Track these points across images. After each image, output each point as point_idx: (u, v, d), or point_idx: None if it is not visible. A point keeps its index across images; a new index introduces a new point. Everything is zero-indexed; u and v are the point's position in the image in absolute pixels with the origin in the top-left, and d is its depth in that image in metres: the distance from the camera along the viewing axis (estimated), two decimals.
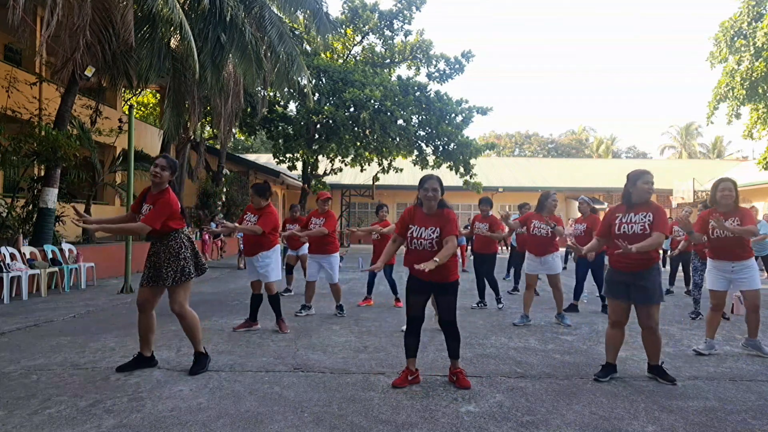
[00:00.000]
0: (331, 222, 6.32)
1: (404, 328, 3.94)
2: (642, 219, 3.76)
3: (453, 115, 18.64)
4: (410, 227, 3.68)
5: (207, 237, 15.24)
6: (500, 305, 7.07)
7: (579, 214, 7.28)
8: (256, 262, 5.34)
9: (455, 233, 3.61)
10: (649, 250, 3.69)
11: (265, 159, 28.00)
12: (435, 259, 3.43)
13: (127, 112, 13.78)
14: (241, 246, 13.40)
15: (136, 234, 3.93)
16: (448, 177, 24.28)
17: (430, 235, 3.59)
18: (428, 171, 21.50)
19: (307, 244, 7.72)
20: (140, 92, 19.40)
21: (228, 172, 19.37)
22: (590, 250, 4.35)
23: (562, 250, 8.41)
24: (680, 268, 8.86)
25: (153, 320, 3.98)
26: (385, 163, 21.50)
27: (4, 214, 9.22)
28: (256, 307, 5.52)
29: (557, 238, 6.04)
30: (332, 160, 21.26)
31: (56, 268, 8.45)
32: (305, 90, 14.99)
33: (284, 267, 8.50)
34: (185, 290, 3.92)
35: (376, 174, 22.40)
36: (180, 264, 3.86)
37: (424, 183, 3.68)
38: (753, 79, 15.75)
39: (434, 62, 20.50)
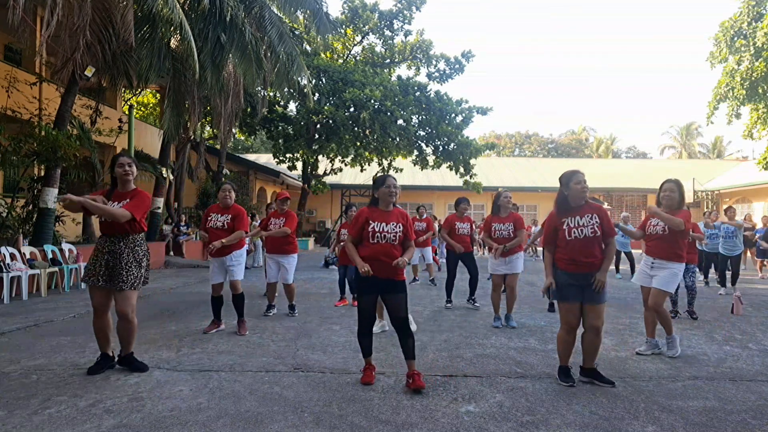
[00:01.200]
0: (291, 222, 6.23)
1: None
2: (590, 221, 3.71)
3: (453, 115, 18.64)
4: (370, 223, 3.71)
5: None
6: (476, 305, 7.06)
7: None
8: (228, 262, 5.30)
9: (414, 237, 3.88)
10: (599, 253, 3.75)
11: (265, 159, 28.00)
12: (405, 259, 3.63)
13: (127, 112, 13.82)
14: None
15: (113, 218, 3.72)
16: (448, 177, 24.37)
17: (394, 229, 3.70)
18: (428, 171, 21.57)
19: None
20: (140, 92, 19.38)
21: (228, 172, 19.37)
22: (548, 266, 3.97)
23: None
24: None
25: (110, 319, 3.96)
26: (385, 163, 21.50)
27: (4, 214, 9.22)
28: (220, 308, 5.48)
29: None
30: (332, 160, 21.25)
31: (56, 268, 8.45)
32: (305, 90, 14.99)
33: (263, 266, 8.44)
34: (137, 294, 3.95)
35: (376, 174, 22.40)
36: (141, 272, 3.90)
37: (385, 180, 3.79)
38: (753, 79, 15.75)
39: (434, 62, 20.51)
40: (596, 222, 3.71)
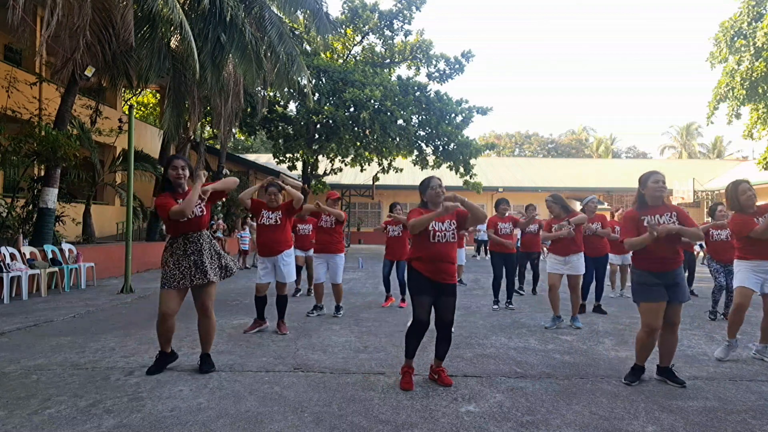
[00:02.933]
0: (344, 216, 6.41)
1: (408, 324, 3.92)
2: (669, 219, 3.76)
3: (453, 115, 18.64)
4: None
5: None
6: (512, 307, 7.15)
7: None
8: (279, 262, 5.25)
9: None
10: (682, 247, 3.80)
11: (265, 159, 28.01)
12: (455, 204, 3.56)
13: (127, 112, 13.81)
14: (243, 246, 13.40)
15: (233, 186, 4.17)
16: (448, 177, 24.34)
17: (450, 227, 3.71)
18: (428, 171, 21.55)
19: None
20: (140, 92, 19.40)
21: (228, 172, 19.37)
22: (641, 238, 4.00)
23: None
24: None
25: (175, 322, 3.98)
26: (385, 163, 21.51)
27: (4, 214, 9.22)
28: (264, 307, 5.46)
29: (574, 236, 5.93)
30: (332, 160, 21.26)
31: (56, 268, 8.45)
32: (305, 90, 14.99)
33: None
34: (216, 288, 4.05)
35: (376, 174, 22.40)
36: (222, 261, 4.02)
37: (430, 182, 3.81)
38: (753, 79, 15.75)
39: (434, 62, 20.49)
40: (675, 220, 3.76)
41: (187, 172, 3.97)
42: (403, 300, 7.19)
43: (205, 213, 3.94)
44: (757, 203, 4.61)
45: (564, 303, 7.09)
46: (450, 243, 3.68)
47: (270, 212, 5.31)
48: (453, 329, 3.47)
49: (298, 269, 8.32)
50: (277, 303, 5.43)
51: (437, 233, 3.66)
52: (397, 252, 7.07)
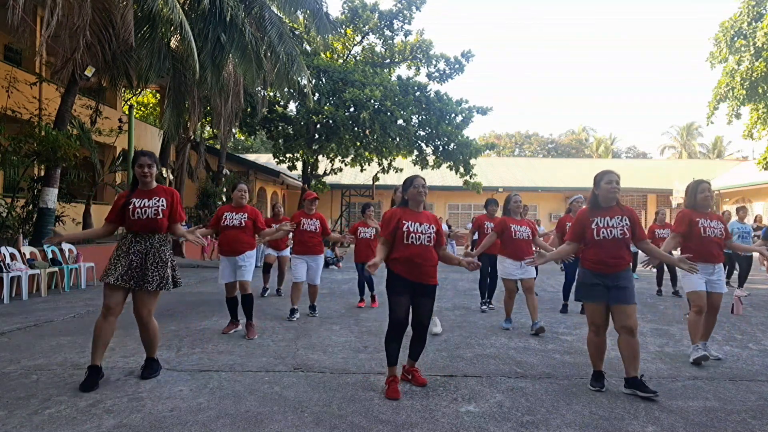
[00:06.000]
0: (326, 225, 6.42)
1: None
2: (619, 222, 3.65)
3: (453, 115, 18.64)
4: (404, 223, 3.59)
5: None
6: (492, 307, 7.16)
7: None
8: (241, 261, 5.24)
9: (444, 242, 3.82)
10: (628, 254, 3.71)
11: (265, 159, 28.00)
12: (473, 260, 3.78)
13: (127, 112, 13.82)
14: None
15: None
16: (448, 177, 24.36)
17: (428, 230, 3.61)
18: (428, 171, 21.58)
19: (289, 247, 7.66)
20: (140, 92, 19.40)
21: (228, 172, 19.37)
22: (561, 256, 4.20)
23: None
24: (665, 268, 8.84)
25: (115, 325, 3.72)
26: (385, 163, 21.50)
27: (4, 214, 9.22)
28: (236, 307, 5.41)
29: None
30: (332, 160, 21.25)
31: (56, 268, 8.45)
32: (305, 90, 14.99)
33: (261, 266, 8.43)
34: (158, 297, 3.80)
35: (376, 174, 22.39)
36: (167, 271, 3.76)
37: (413, 181, 3.73)
38: (753, 79, 15.76)
39: (434, 62, 20.49)
40: (626, 224, 3.66)
41: (154, 169, 3.87)
42: (373, 299, 7.23)
43: (160, 216, 3.73)
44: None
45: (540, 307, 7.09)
46: (425, 246, 3.58)
47: (234, 213, 5.31)
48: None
49: (268, 267, 8.28)
50: (243, 303, 5.30)
51: (411, 234, 3.56)
52: (369, 255, 6.97)
